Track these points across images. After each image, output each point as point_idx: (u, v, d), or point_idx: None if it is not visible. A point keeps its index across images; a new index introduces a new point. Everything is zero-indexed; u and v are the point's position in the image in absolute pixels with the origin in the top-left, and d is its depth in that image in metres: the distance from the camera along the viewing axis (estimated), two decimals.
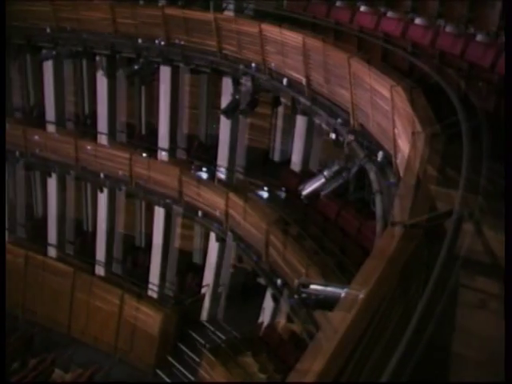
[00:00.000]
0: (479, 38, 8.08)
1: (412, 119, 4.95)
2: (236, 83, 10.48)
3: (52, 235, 16.96)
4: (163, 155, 15.09)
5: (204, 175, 15.54)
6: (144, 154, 14.84)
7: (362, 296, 2.54)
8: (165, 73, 13.84)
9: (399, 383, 2.36)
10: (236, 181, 14.98)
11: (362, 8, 10.23)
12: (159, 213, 15.41)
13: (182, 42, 11.71)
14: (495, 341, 4.05)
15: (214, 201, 13.49)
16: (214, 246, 14.90)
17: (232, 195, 12.99)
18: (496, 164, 6.89)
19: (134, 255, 17.01)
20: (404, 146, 5.10)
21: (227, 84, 12.55)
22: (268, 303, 13.22)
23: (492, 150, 6.99)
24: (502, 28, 8.33)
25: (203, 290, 15.22)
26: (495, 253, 5.26)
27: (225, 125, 14.09)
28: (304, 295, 6.32)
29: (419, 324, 2.43)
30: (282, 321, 12.52)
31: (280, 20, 10.59)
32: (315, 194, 7.37)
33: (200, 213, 13.94)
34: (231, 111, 10.42)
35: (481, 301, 4.56)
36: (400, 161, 5.32)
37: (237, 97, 10.20)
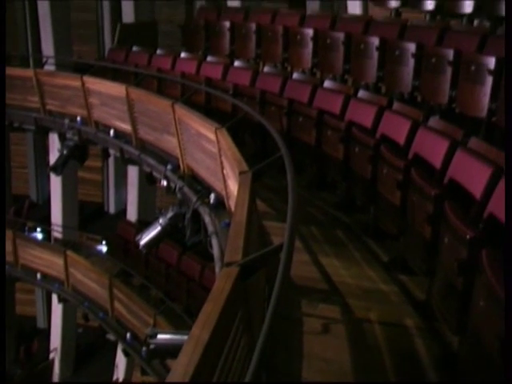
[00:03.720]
0: (295, 76, 8.49)
1: (238, 159, 5.08)
2: (63, 138, 10.26)
3: None
4: None
5: (39, 236, 15.06)
6: None
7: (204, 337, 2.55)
8: None
9: None
10: (73, 238, 14.59)
11: (183, 54, 10.46)
12: None
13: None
14: (339, 363, 4.22)
15: (53, 261, 13.06)
16: (57, 307, 14.39)
17: (70, 253, 12.64)
18: (323, 193, 7.25)
19: None
20: (233, 185, 5.21)
21: (54, 140, 12.27)
22: (120, 358, 12.93)
23: (318, 180, 7.36)
24: (315, 66, 8.83)
25: (52, 355, 14.62)
26: (332, 279, 5.49)
27: (55, 181, 13.73)
28: (153, 346, 6.25)
29: (262, 355, 2.48)
30: (136, 374, 12.28)
31: (102, 71, 10.58)
32: (153, 242, 7.32)
33: (39, 275, 13.42)
34: (60, 167, 10.16)
35: (323, 326, 4.72)
36: (232, 201, 5.43)
37: (64, 152, 9.97)
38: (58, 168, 10.18)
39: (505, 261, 3.23)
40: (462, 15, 8.19)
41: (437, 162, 5.17)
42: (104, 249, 14.69)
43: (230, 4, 12.35)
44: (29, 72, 10.52)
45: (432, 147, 5.39)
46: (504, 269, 3.22)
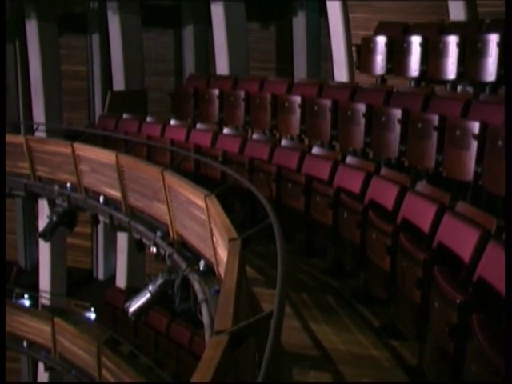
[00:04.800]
0: (284, 142, 8.60)
1: (228, 226, 5.10)
2: (52, 205, 10.27)
3: None
4: None
5: (27, 302, 14.91)
6: None
7: None
8: None
9: None
10: (61, 304, 14.45)
11: (172, 122, 10.59)
12: None
13: None
14: None
15: (40, 328, 12.88)
16: (43, 376, 14.13)
17: (58, 320, 12.47)
18: (312, 259, 7.26)
19: None
20: (223, 252, 5.21)
21: (43, 206, 12.26)
22: None
23: (307, 246, 7.37)
24: (303, 132, 8.96)
25: None
26: (323, 345, 5.46)
27: (44, 248, 13.66)
28: None
29: None
30: None
31: (92, 138, 10.68)
32: (143, 309, 7.26)
33: (25, 343, 13.21)
34: (49, 233, 10.13)
35: None
36: (221, 268, 5.42)
37: (54, 218, 9.96)
38: (46, 234, 10.16)
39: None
40: (446, 81, 8.38)
41: (425, 226, 5.22)
42: (92, 316, 14.54)
43: (219, 72, 12.58)
44: (19, 138, 10.60)
45: (420, 212, 5.44)
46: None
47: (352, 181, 6.66)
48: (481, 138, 6.08)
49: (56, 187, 10.03)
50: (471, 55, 7.78)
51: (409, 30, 9.32)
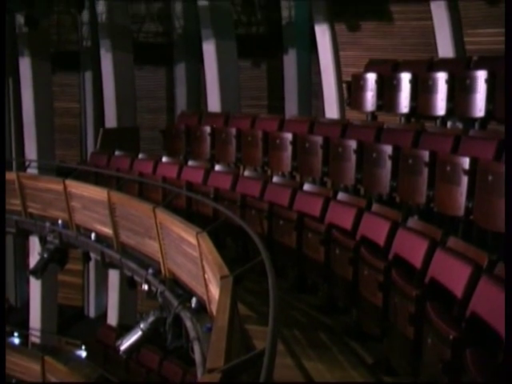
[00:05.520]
0: (275, 179, 8.63)
1: (219, 263, 5.09)
2: (43, 242, 10.22)
3: None
4: None
5: (16, 340, 14.76)
6: None
7: None
8: None
9: None
10: (51, 342, 14.30)
11: (164, 159, 10.61)
12: None
13: None
14: None
15: (29, 367, 12.73)
16: None
17: (48, 358, 12.34)
18: (305, 295, 7.23)
19: None
20: (215, 290, 5.20)
21: (34, 243, 12.21)
22: None
23: (299, 283, 7.34)
24: (295, 169, 8.99)
25: None
26: (316, 382, 5.41)
27: (35, 285, 13.57)
28: None
29: None
30: None
31: (84, 175, 10.68)
32: (134, 347, 7.20)
33: (14, 381, 13.04)
34: (40, 270, 10.07)
35: None
36: (213, 305, 5.40)
37: (45, 255, 9.92)
38: (37, 271, 10.10)
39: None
40: (436, 117, 8.47)
41: (417, 262, 5.22)
42: (83, 354, 14.38)
43: (211, 109, 12.66)
44: (11, 175, 10.59)
45: (412, 248, 5.45)
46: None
47: (344, 217, 6.67)
48: (471, 173, 6.13)
49: (47, 224, 10.00)
50: (460, 91, 7.88)
51: (398, 67, 9.44)
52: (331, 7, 11.14)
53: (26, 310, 15.22)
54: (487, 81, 7.41)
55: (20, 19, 14.30)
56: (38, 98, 14.88)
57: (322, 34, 11.24)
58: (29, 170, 12.84)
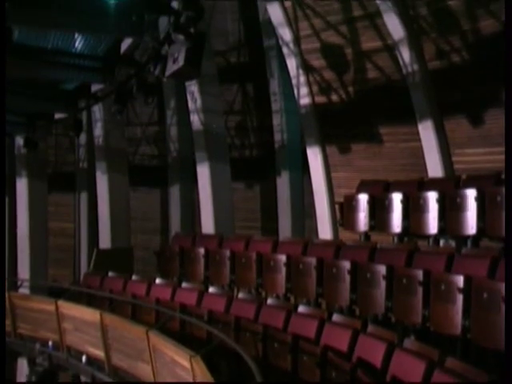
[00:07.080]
0: (270, 301, 8.56)
1: None
2: (32, 364, 10.01)
3: None
4: None
5: None
6: None
7: None
8: None
9: None
10: None
11: (158, 281, 10.54)
12: None
13: None
14: None
15: None
16: None
17: None
18: None
19: None
20: None
21: (22, 365, 11.93)
22: None
23: None
24: (289, 291, 8.93)
25: None
26: None
27: None
28: None
29: None
30: None
31: (77, 296, 10.58)
32: None
33: None
34: None
35: None
36: None
37: (33, 378, 9.69)
38: None
39: None
40: (428, 236, 8.51)
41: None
42: None
43: (205, 231, 12.73)
44: None
45: (409, 369, 5.37)
46: None
47: (339, 339, 6.60)
48: (466, 291, 6.12)
49: (37, 345, 9.83)
50: (451, 210, 7.98)
51: (389, 187, 9.58)
52: (322, 130, 11.42)
53: None
54: (477, 199, 7.52)
55: (19, 141, 14.62)
56: (32, 218, 15.00)
57: (314, 157, 11.47)
58: (21, 290, 12.74)
